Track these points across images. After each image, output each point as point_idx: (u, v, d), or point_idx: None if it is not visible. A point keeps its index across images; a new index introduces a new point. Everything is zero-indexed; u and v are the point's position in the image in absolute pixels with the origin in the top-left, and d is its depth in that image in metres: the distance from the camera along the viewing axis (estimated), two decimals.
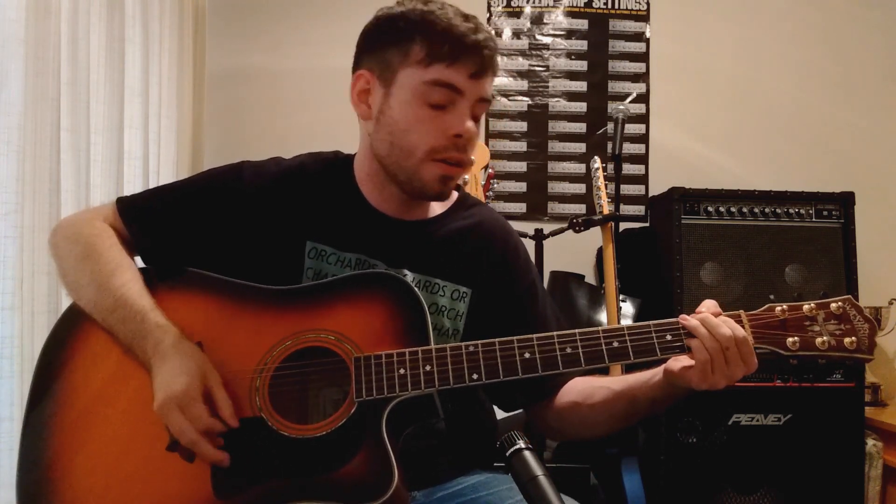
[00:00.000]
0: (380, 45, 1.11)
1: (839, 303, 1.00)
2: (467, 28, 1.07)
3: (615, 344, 0.99)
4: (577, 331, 1.00)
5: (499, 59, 1.13)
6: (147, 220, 1.16)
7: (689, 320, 1.00)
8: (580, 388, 1.16)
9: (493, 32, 1.12)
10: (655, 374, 1.06)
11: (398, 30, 1.09)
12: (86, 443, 1.02)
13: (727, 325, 0.98)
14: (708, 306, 1.02)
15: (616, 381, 1.12)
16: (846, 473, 2.30)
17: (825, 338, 0.99)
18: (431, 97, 1.07)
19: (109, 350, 1.05)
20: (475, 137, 1.11)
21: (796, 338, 0.99)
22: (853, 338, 0.98)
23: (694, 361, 0.98)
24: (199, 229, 1.15)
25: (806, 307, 1.00)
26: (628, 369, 1.12)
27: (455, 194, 1.26)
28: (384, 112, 1.10)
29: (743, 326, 0.99)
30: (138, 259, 1.16)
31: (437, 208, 1.23)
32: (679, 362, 1.01)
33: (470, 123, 1.09)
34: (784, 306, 1.00)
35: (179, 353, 0.99)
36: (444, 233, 1.19)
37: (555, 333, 1.00)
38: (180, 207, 1.16)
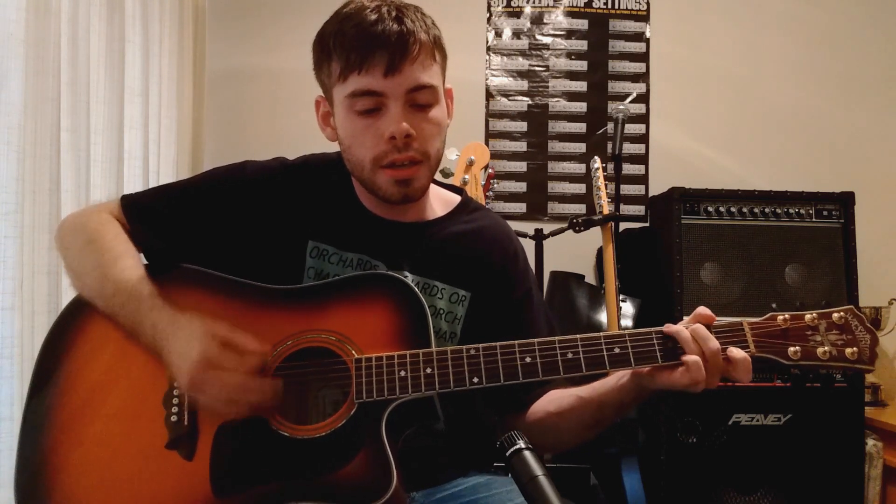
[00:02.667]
0: (316, 69, 1.13)
1: (841, 313, 1.00)
2: (368, 24, 1.03)
3: (616, 350, 0.99)
4: (578, 336, 1.00)
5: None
6: (151, 218, 1.16)
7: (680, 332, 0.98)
8: (549, 399, 1.15)
9: (412, 15, 1.07)
10: (622, 377, 1.06)
11: (322, 51, 1.10)
12: (82, 438, 1.01)
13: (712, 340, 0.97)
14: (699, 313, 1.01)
15: (583, 389, 1.11)
16: (846, 473, 2.29)
17: (826, 348, 0.99)
18: (358, 107, 1.07)
19: (107, 344, 1.06)
20: (423, 131, 1.08)
21: (798, 347, 0.99)
22: (854, 348, 0.99)
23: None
24: (202, 228, 1.15)
25: (808, 317, 1.00)
26: None
27: (458, 198, 1.26)
28: (337, 132, 1.13)
29: (745, 335, 0.99)
30: (141, 256, 1.16)
31: (438, 210, 1.22)
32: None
33: (402, 122, 1.05)
34: (786, 315, 1.00)
35: (180, 325, 0.99)
36: (443, 236, 1.19)
37: (556, 339, 1.00)
38: (184, 206, 1.16)
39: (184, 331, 0.98)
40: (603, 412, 1.09)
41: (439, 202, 1.24)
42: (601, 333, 1.00)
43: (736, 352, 0.97)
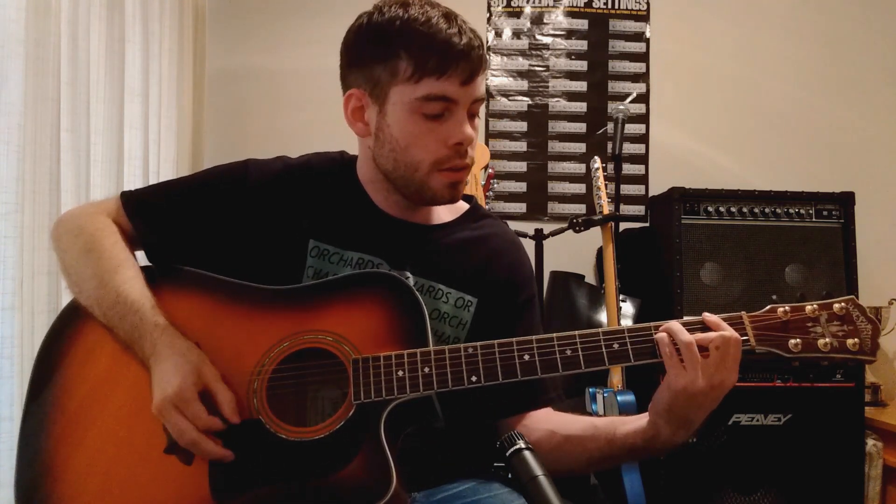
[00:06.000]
0: (365, 61, 1.08)
1: (842, 303, 0.98)
2: (451, 33, 1.04)
3: (615, 346, 0.98)
4: (576, 332, 0.99)
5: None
6: (151, 214, 1.16)
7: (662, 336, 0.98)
8: (559, 420, 1.13)
9: (472, 27, 1.11)
10: (640, 418, 1.05)
11: (381, 45, 1.06)
12: (82, 441, 1.01)
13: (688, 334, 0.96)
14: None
15: (601, 419, 1.10)
16: (846, 473, 2.30)
17: (827, 339, 0.97)
18: (426, 110, 1.06)
19: (106, 348, 1.05)
20: (473, 138, 1.11)
21: (798, 339, 0.97)
22: (856, 339, 0.97)
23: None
24: (202, 225, 1.14)
25: (808, 308, 0.98)
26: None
27: (466, 205, 1.26)
28: (382, 130, 1.10)
29: (745, 328, 0.98)
30: (140, 255, 1.16)
31: (445, 215, 1.22)
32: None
33: (468, 129, 1.08)
34: (786, 307, 0.98)
35: (174, 352, 0.98)
36: (451, 240, 1.19)
37: (554, 335, 0.99)
38: (184, 203, 1.15)
39: (175, 359, 0.98)
40: (612, 448, 1.06)
41: (446, 207, 1.23)
42: (599, 329, 0.99)
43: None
